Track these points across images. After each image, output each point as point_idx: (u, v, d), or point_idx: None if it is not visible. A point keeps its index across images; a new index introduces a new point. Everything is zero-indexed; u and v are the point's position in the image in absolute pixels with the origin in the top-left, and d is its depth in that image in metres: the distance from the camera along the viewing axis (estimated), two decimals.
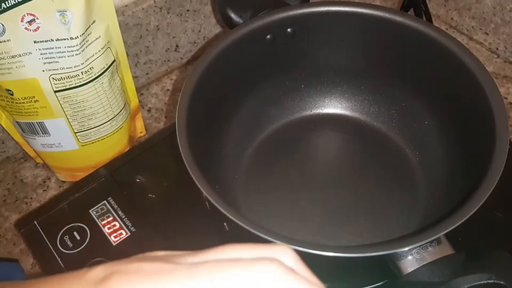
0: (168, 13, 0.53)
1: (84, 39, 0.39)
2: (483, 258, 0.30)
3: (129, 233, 0.42)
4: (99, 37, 0.40)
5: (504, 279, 0.29)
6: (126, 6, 0.50)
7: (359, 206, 0.44)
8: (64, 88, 0.40)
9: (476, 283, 0.28)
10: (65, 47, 0.38)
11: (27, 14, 0.36)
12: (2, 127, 0.46)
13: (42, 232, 0.42)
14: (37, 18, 0.37)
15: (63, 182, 0.50)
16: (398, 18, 0.42)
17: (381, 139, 0.48)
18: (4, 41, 0.37)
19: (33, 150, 0.48)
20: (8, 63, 0.38)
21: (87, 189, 0.45)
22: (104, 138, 0.46)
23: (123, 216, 0.43)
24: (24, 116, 0.42)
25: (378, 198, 0.44)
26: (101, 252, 0.41)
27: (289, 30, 0.44)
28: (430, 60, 0.43)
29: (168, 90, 0.57)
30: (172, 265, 0.16)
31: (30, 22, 0.37)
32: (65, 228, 0.42)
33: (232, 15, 0.44)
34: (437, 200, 0.42)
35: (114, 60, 0.43)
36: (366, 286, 0.38)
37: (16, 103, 0.41)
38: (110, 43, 0.42)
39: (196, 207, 0.43)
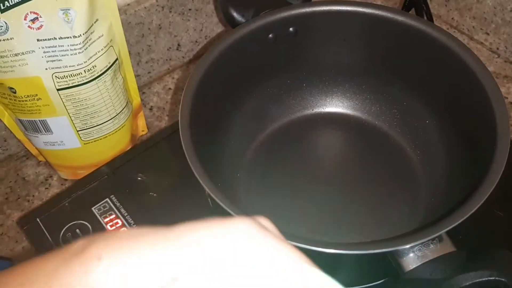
0: (170, 12, 0.53)
1: (87, 38, 0.39)
2: (484, 255, 0.31)
3: None
4: (102, 35, 0.41)
5: (505, 276, 0.29)
6: (128, 5, 0.50)
7: (361, 204, 0.44)
8: (67, 86, 0.40)
9: (477, 280, 0.29)
10: (68, 46, 0.38)
11: (30, 12, 0.36)
12: (5, 125, 0.46)
13: (44, 230, 0.42)
14: (40, 17, 0.37)
15: (65, 180, 0.50)
16: (399, 17, 0.43)
17: (382, 138, 0.49)
18: (7, 39, 0.37)
19: (36, 148, 0.48)
20: (11, 61, 0.38)
21: (89, 187, 0.45)
22: (106, 136, 0.47)
23: (125, 214, 0.43)
24: (26, 114, 0.42)
25: (379, 196, 0.44)
26: None
27: (291, 29, 0.45)
28: (432, 60, 0.43)
29: (170, 89, 0.57)
30: (149, 229, 0.16)
31: (33, 20, 0.37)
32: (67, 225, 0.42)
33: (234, 14, 0.44)
34: (438, 198, 0.42)
35: (117, 59, 0.43)
36: (368, 283, 0.38)
37: (19, 101, 0.41)
38: (112, 41, 0.42)
39: (198, 205, 0.43)
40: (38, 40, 0.38)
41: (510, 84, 0.56)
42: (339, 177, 0.47)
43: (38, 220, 0.43)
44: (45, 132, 0.44)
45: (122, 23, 0.43)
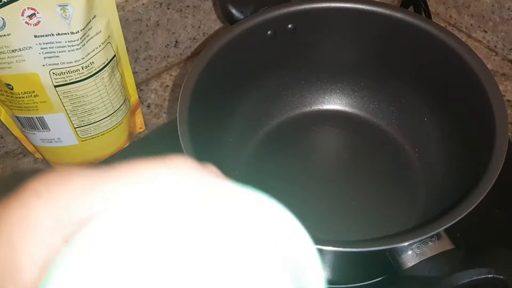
0: (168, 8, 0.53)
1: (84, 34, 0.39)
2: (483, 253, 0.31)
3: None
4: (100, 32, 0.40)
5: (503, 274, 0.29)
6: (126, 1, 0.50)
7: (359, 201, 0.44)
8: (64, 83, 0.40)
9: (476, 278, 0.29)
10: (65, 42, 0.38)
11: (28, 8, 0.36)
12: (1, 122, 0.46)
13: None
14: (37, 12, 0.37)
15: None
16: (398, 14, 0.42)
17: (380, 136, 0.49)
18: (4, 35, 0.37)
19: (32, 145, 0.48)
20: (8, 57, 0.38)
21: None
22: (104, 134, 0.46)
23: None
24: (23, 111, 0.42)
25: (378, 194, 0.44)
26: None
27: (290, 26, 0.44)
28: (430, 57, 0.43)
29: (167, 86, 0.57)
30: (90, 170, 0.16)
31: (30, 16, 0.37)
32: None
33: (233, 11, 0.44)
34: (437, 196, 0.42)
35: (115, 55, 0.43)
36: (367, 280, 0.38)
37: (16, 97, 0.41)
38: (110, 38, 0.42)
39: None
40: (35, 36, 0.37)
41: (507, 82, 0.56)
42: (337, 174, 0.47)
43: None
44: (42, 129, 0.44)
45: (120, 19, 0.42)
